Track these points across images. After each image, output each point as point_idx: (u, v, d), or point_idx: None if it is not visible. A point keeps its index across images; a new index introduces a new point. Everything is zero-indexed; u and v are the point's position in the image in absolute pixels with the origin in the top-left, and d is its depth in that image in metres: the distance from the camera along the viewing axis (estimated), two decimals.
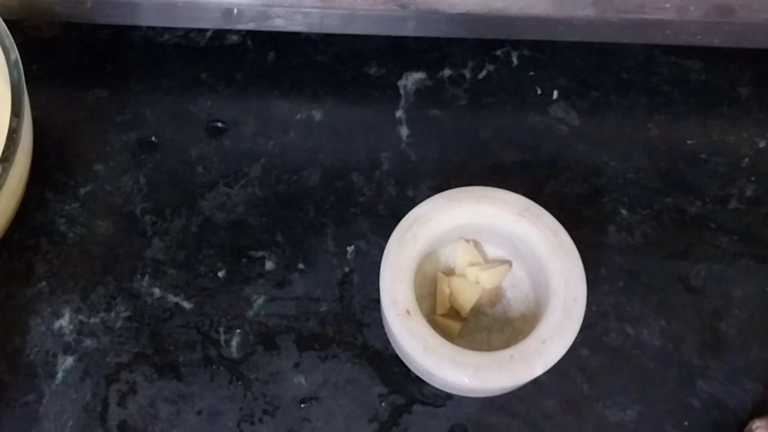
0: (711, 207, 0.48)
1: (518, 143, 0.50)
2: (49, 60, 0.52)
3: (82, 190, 0.48)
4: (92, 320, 0.45)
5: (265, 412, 0.43)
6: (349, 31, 0.51)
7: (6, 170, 0.39)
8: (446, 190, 0.41)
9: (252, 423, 0.43)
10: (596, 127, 0.50)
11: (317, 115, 0.51)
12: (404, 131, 0.50)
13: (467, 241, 0.44)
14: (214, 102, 0.51)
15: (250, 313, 0.45)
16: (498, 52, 0.53)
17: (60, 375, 0.44)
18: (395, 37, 0.52)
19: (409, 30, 0.51)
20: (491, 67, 0.52)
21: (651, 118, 0.51)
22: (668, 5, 0.47)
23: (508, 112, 0.51)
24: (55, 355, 0.44)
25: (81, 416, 0.43)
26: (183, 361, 0.44)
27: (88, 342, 0.45)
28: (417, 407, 0.43)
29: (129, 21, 0.52)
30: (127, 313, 0.45)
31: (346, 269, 0.46)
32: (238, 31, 0.53)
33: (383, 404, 0.43)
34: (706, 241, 0.47)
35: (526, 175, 0.49)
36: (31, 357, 0.44)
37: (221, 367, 0.44)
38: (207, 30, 0.53)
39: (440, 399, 0.43)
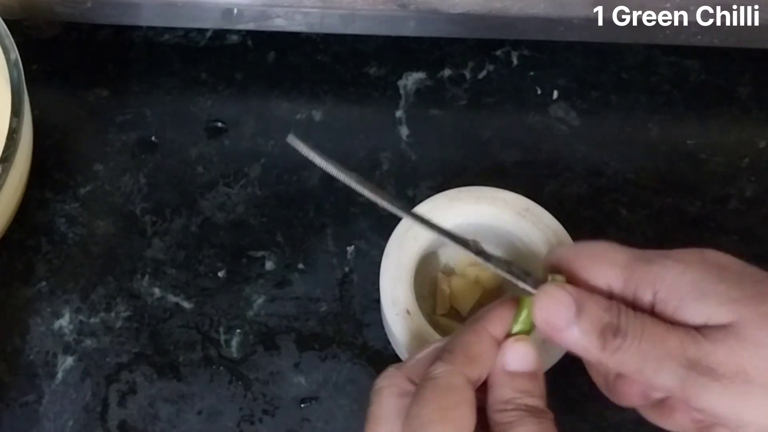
0: (711, 207, 0.48)
1: (518, 143, 0.50)
2: (49, 60, 0.52)
3: (82, 190, 0.48)
4: (92, 320, 0.45)
5: (265, 412, 0.43)
6: (349, 31, 0.51)
7: (6, 170, 0.40)
8: (446, 190, 0.41)
9: (252, 423, 0.43)
10: (596, 127, 0.50)
11: (317, 115, 0.51)
12: (404, 131, 0.50)
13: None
14: (214, 102, 0.51)
15: (250, 313, 0.45)
16: (498, 52, 0.53)
17: (60, 375, 0.44)
18: (395, 37, 0.52)
19: (409, 30, 0.51)
20: (491, 67, 0.52)
21: (651, 118, 0.51)
22: (668, 5, 0.47)
23: (508, 112, 0.51)
24: (55, 355, 0.44)
25: (81, 416, 0.43)
26: (183, 361, 0.44)
27: (88, 342, 0.45)
28: None
29: (129, 21, 0.52)
30: (127, 313, 0.45)
31: (346, 269, 0.46)
32: (238, 31, 0.53)
33: None
34: (706, 241, 0.47)
35: (526, 175, 0.49)
36: (31, 357, 0.44)
37: (221, 367, 0.44)
38: (207, 30, 0.53)
39: None
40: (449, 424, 0.29)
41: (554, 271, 0.33)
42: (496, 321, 0.33)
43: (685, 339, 0.29)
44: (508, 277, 0.33)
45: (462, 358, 0.31)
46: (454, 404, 0.30)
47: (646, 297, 0.31)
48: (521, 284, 0.33)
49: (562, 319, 0.31)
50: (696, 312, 0.29)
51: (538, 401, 0.32)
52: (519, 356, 0.32)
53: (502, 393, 0.32)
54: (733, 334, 0.28)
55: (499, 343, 0.33)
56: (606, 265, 0.32)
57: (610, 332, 0.30)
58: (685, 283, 0.30)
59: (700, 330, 0.29)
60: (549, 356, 0.38)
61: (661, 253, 0.31)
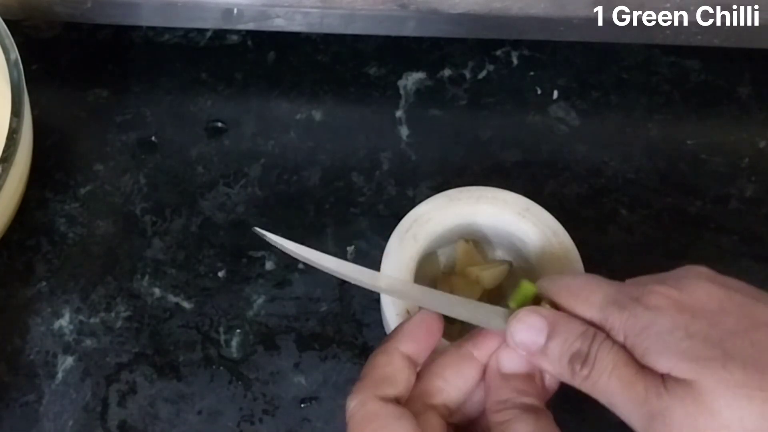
0: (711, 207, 0.48)
1: (518, 143, 0.50)
2: (49, 60, 0.52)
3: (82, 190, 0.48)
4: (92, 320, 0.45)
5: (265, 412, 0.43)
6: (349, 31, 0.51)
7: (6, 170, 0.40)
8: (446, 190, 0.41)
9: (252, 423, 0.43)
10: (596, 127, 0.50)
11: (317, 115, 0.51)
12: (404, 131, 0.50)
13: (467, 241, 0.44)
14: (214, 102, 0.51)
15: (250, 313, 0.45)
16: (498, 52, 0.53)
17: (60, 375, 0.44)
18: (395, 37, 0.52)
19: (409, 30, 0.51)
20: (491, 67, 0.52)
21: (651, 118, 0.51)
22: (668, 5, 0.47)
23: (508, 112, 0.51)
24: (55, 355, 0.44)
25: (81, 416, 0.43)
26: (183, 361, 0.44)
27: (88, 342, 0.45)
28: None
29: (129, 21, 0.52)
30: (127, 313, 0.45)
31: None
32: (238, 31, 0.53)
33: None
34: (706, 241, 0.47)
35: (526, 175, 0.49)
36: (31, 357, 0.44)
37: (221, 367, 0.44)
38: (207, 30, 0.53)
39: None
40: None
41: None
42: (405, 338, 0.33)
43: (650, 388, 0.29)
44: (479, 323, 0.34)
45: (371, 381, 0.32)
46: (379, 427, 0.31)
47: (618, 340, 0.31)
48: (490, 327, 0.33)
49: (533, 344, 0.32)
50: (660, 363, 0.29)
51: (534, 400, 0.32)
52: (512, 358, 0.33)
53: (498, 394, 0.32)
54: (691, 396, 0.28)
55: (412, 358, 0.33)
56: (582, 305, 0.32)
57: (578, 361, 0.30)
58: (652, 334, 0.29)
59: (665, 378, 0.29)
60: None
61: (635, 296, 0.31)
